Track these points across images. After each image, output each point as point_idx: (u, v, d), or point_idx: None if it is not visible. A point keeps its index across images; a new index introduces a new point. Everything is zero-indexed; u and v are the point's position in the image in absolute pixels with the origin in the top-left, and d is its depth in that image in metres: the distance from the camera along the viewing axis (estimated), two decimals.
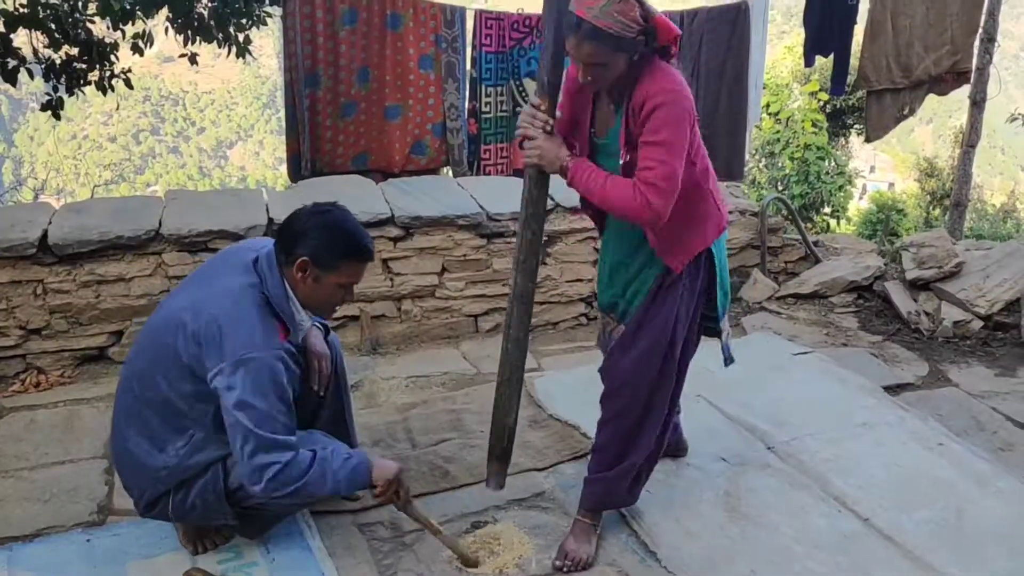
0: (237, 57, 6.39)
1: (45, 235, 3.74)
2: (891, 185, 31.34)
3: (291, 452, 2.26)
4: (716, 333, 2.72)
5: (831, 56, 6.44)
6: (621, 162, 2.36)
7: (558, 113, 2.40)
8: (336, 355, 2.77)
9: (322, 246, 2.32)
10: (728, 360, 2.81)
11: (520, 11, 6.00)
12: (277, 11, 5.66)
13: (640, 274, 2.53)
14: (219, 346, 2.22)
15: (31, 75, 5.66)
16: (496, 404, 2.58)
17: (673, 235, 2.42)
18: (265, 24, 6.44)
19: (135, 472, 2.41)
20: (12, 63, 5.44)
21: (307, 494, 2.32)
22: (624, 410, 2.57)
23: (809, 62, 6.61)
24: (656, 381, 2.53)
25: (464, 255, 4.34)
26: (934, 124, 52.85)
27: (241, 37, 6.29)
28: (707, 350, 2.79)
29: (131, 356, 2.45)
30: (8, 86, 5.81)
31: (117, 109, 9.17)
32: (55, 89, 5.91)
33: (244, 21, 6.26)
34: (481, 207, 4.39)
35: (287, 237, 2.36)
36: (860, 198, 22.11)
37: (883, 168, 43.76)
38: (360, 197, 4.39)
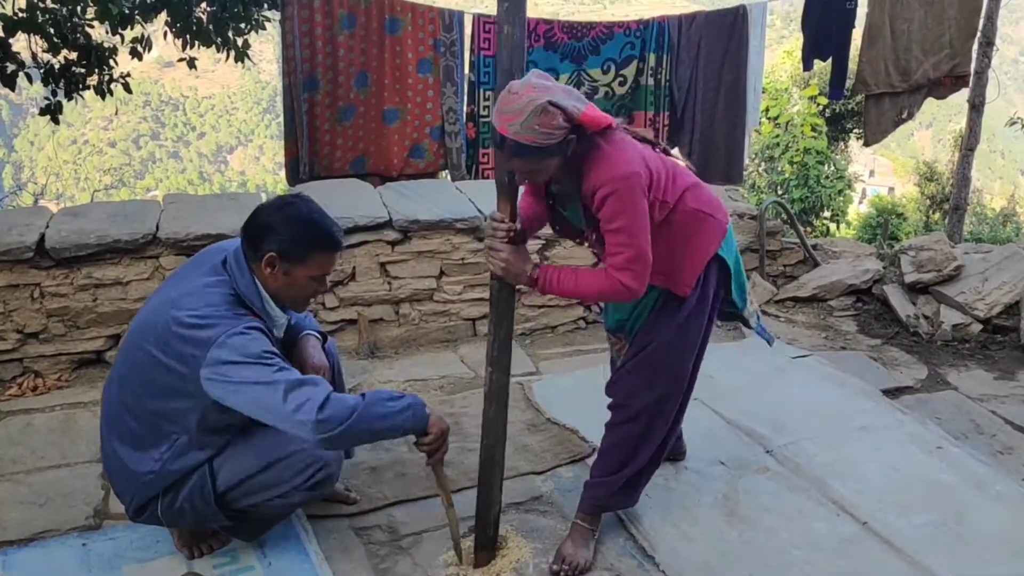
0: (236, 61, 6.40)
1: (42, 239, 3.73)
2: (891, 189, 31.36)
3: (323, 385, 2.20)
4: (745, 322, 2.75)
5: (830, 60, 6.44)
6: (586, 244, 2.45)
7: (517, 224, 2.37)
8: (334, 362, 2.75)
9: (289, 240, 2.29)
10: (770, 340, 2.86)
11: None
12: (276, 16, 5.67)
13: (644, 297, 2.52)
14: (197, 340, 2.19)
15: (30, 79, 5.67)
16: (480, 497, 2.56)
17: (673, 267, 2.44)
18: (264, 28, 6.45)
19: (123, 477, 2.40)
20: (11, 67, 5.44)
21: (365, 429, 2.21)
22: (632, 419, 2.58)
23: (807, 66, 6.61)
24: (665, 393, 2.55)
25: (462, 259, 4.33)
26: (934, 128, 52.94)
27: (240, 42, 6.31)
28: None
29: (115, 363, 2.45)
30: (8, 91, 5.81)
31: (116, 114, 9.17)
32: (54, 93, 5.92)
33: (243, 26, 6.27)
34: (479, 210, 4.38)
35: (253, 233, 2.32)
36: (860, 202, 22.13)
37: (883, 172, 43.82)
38: (358, 201, 4.39)
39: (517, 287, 2.41)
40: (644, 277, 2.28)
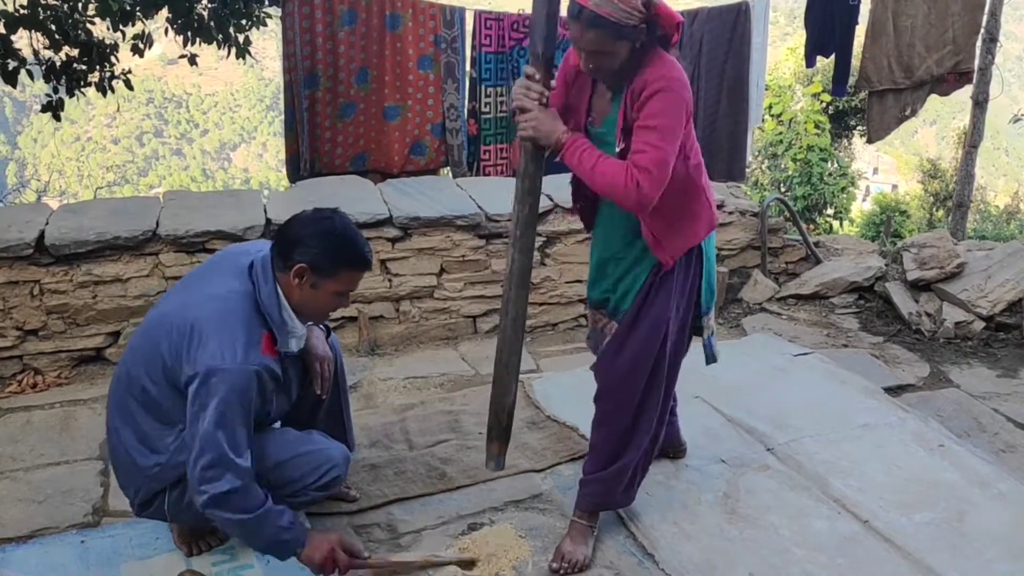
0: (237, 58, 6.39)
1: (42, 236, 3.73)
2: (894, 187, 31.32)
3: (244, 479, 2.20)
4: (699, 330, 2.70)
5: (833, 57, 6.42)
6: (617, 150, 2.33)
7: (552, 84, 2.34)
8: (337, 357, 2.75)
9: (321, 254, 2.29)
10: (710, 358, 2.78)
11: (521, 12, 5.99)
12: (277, 12, 5.66)
13: (631, 271, 2.51)
14: (195, 354, 2.19)
15: (31, 76, 5.67)
16: (495, 383, 2.53)
17: (666, 228, 2.41)
18: (265, 25, 6.44)
19: (128, 471, 2.40)
20: (12, 64, 5.44)
21: (237, 531, 2.28)
22: (618, 409, 2.55)
23: (810, 63, 6.59)
24: (650, 380, 2.52)
25: (463, 256, 4.32)
26: (937, 125, 52.82)
27: (241, 38, 6.30)
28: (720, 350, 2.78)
29: (124, 355, 2.44)
30: (11, 88, 5.81)
31: (118, 111, 9.16)
32: (55, 90, 5.91)
33: (244, 22, 6.26)
34: (480, 207, 4.37)
35: (285, 242, 2.32)
36: (863, 200, 22.11)
37: (886, 170, 43.73)
38: (358, 198, 4.38)
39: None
40: (657, 189, 2.21)
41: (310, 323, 2.64)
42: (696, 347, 2.72)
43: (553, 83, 2.33)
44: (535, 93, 2.29)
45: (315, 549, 2.31)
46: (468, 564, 2.56)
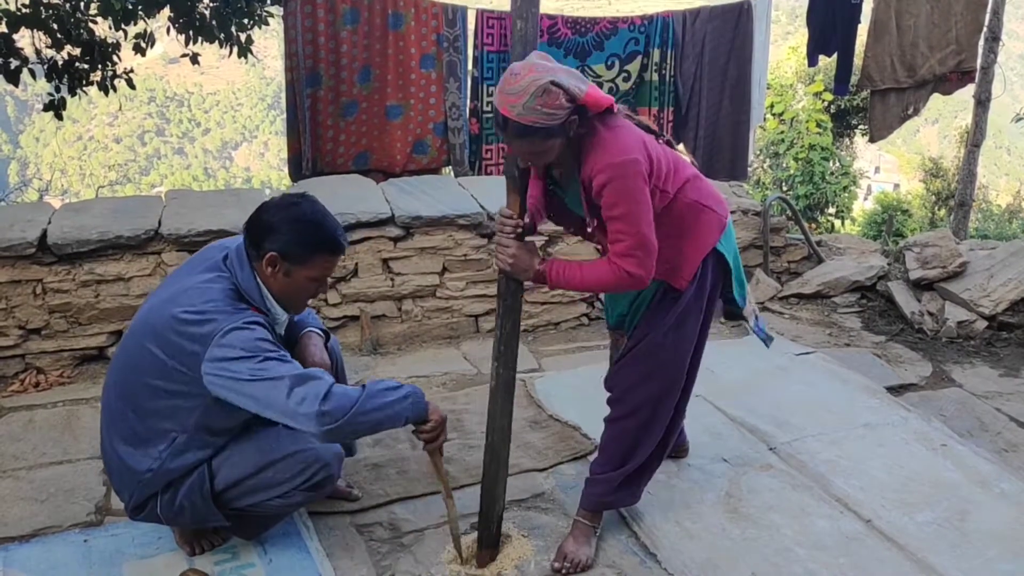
0: (239, 57, 6.38)
1: (44, 235, 3.73)
2: (896, 186, 31.30)
3: (325, 378, 2.19)
4: (743, 318, 2.73)
5: (835, 56, 6.41)
6: (588, 229, 2.41)
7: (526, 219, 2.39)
8: (337, 361, 2.74)
9: (292, 240, 2.27)
10: (767, 340, 2.82)
11: None
12: (279, 11, 5.66)
13: (643, 291, 2.51)
14: (197, 336, 2.18)
15: (33, 75, 5.66)
16: (483, 492, 2.55)
17: (670, 259, 2.42)
18: (267, 24, 6.43)
19: (122, 475, 2.39)
20: (14, 63, 5.44)
21: (367, 420, 2.19)
22: (631, 414, 2.56)
23: (812, 62, 6.59)
24: (663, 387, 2.53)
25: (465, 255, 4.32)
26: (940, 124, 52.79)
27: (243, 37, 6.29)
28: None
29: (113, 360, 2.44)
30: (13, 87, 5.80)
31: (120, 109, 9.17)
32: (57, 89, 5.91)
33: (245, 21, 6.25)
34: (482, 207, 4.37)
35: (256, 231, 2.31)
36: (865, 199, 22.09)
37: (888, 169, 43.68)
38: (360, 197, 4.38)
39: (527, 282, 2.40)
40: (649, 264, 2.26)
41: (308, 329, 2.63)
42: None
43: (527, 218, 2.39)
44: (510, 227, 2.34)
45: (436, 408, 2.35)
46: (467, 555, 2.57)
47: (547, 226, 4.41)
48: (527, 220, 2.38)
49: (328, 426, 2.13)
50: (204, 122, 66.47)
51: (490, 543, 2.58)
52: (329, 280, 2.46)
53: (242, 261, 2.32)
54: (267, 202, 2.36)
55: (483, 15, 5.87)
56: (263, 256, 2.28)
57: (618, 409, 2.60)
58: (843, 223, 14.31)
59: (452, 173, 5.99)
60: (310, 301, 2.54)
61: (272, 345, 2.21)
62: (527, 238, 2.40)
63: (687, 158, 2.55)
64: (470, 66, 5.95)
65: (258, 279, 2.33)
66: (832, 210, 14.15)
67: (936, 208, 15.93)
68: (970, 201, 7.13)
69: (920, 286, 4.83)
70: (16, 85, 5.71)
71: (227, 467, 2.37)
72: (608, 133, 2.22)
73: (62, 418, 3.44)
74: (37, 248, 3.70)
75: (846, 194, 14.07)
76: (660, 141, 2.40)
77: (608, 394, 2.65)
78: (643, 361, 2.51)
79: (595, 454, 2.82)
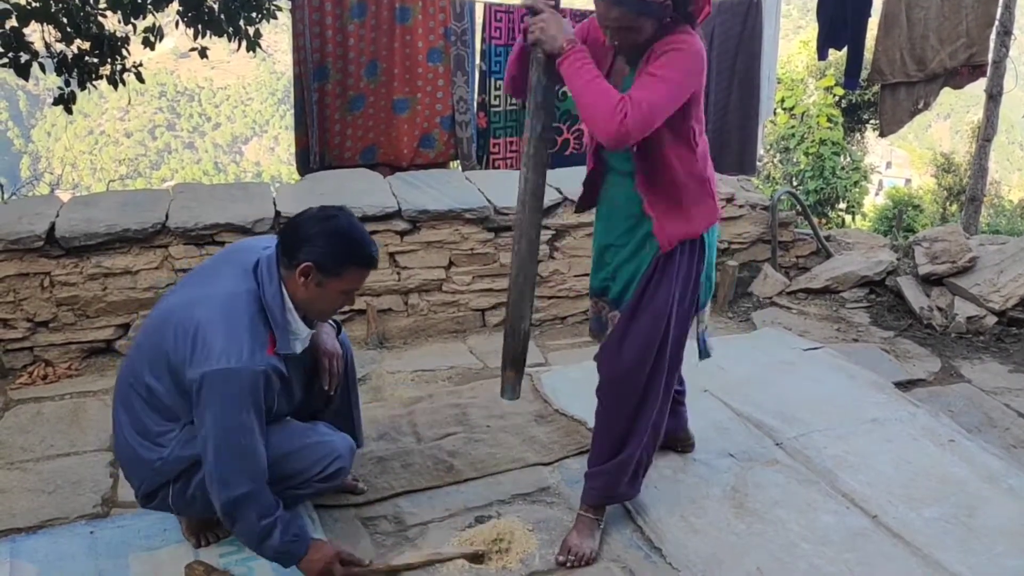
0: (248, 51, 6.39)
1: (52, 228, 3.75)
2: (908, 181, 31.13)
3: (257, 483, 2.24)
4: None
5: (845, 49, 6.38)
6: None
7: None
8: (347, 353, 2.74)
9: (328, 253, 2.28)
10: (703, 354, 2.77)
11: None
12: (288, 4, 5.66)
13: (632, 259, 2.50)
14: (200, 355, 2.19)
15: (43, 69, 5.68)
16: (509, 307, 2.49)
17: (667, 208, 2.40)
18: (275, 18, 6.43)
19: (132, 464, 2.40)
20: (24, 57, 5.45)
21: (246, 536, 2.29)
22: (620, 401, 2.54)
23: (822, 55, 6.55)
24: (652, 371, 2.51)
25: (471, 249, 4.32)
26: (952, 119, 52.51)
27: (251, 31, 6.29)
28: (715, 347, 2.77)
29: (130, 350, 2.45)
30: (24, 81, 5.83)
31: (129, 104, 9.18)
32: (67, 83, 5.92)
33: (254, 15, 6.26)
34: (488, 201, 4.36)
35: (291, 241, 2.31)
36: (876, 194, 22.00)
37: (900, 164, 43.46)
38: (367, 190, 4.38)
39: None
40: (642, 128, 2.15)
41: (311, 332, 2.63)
42: (720, 345, 2.70)
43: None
44: None
45: (314, 560, 2.33)
46: (475, 557, 2.56)
47: (555, 220, 4.41)
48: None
49: (223, 512, 2.25)
50: (214, 116, 66.66)
51: (516, 363, 2.52)
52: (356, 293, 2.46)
53: (271, 273, 2.32)
54: (304, 213, 2.36)
55: (491, 8, 5.85)
56: (296, 266, 2.28)
57: (607, 397, 2.58)
58: (854, 218, 14.26)
59: (459, 167, 5.98)
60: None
61: (255, 407, 2.23)
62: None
63: None
64: (478, 60, 5.94)
65: (284, 292, 2.33)
66: (843, 205, 14.11)
67: (947, 203, 15.85)
68: (981, 196, 7.08)
69: (929, 281, 4.81)
70: (26, 79, 5.73)
71: None
72: (692, 32, 2.23)
73: (69, 410, 3.45)
74: (45, 241, 3.71)
75: (857, 189, 14.03)
76: None
77: (597, 380, 2.62)
78: (631, 342, 2.48)
79: None
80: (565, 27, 2.25)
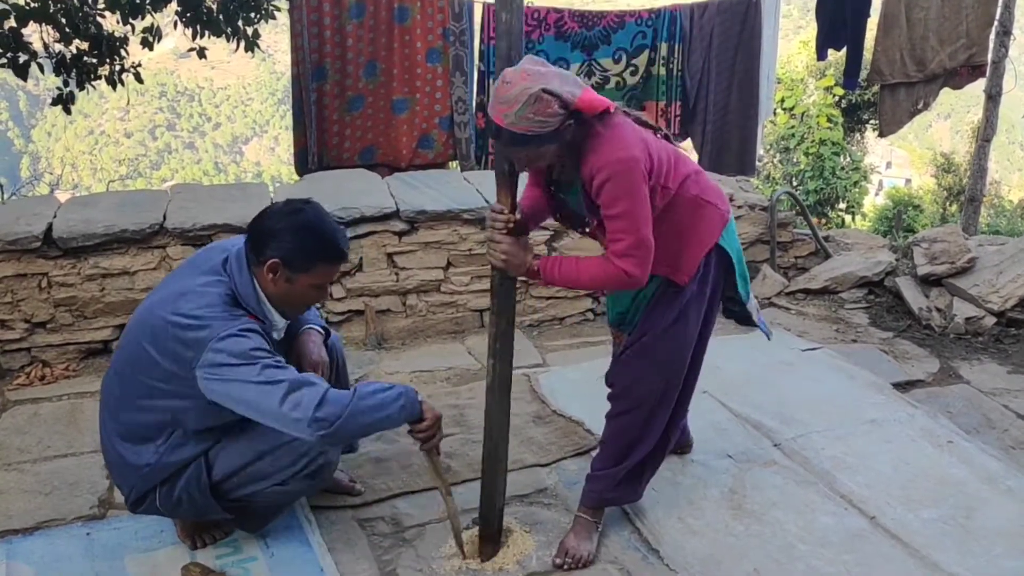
0: (246, 51, 6.39)
1: (50, 228, 3.74)
2: (908, 181, 31.13)
3: (319, 384, 2.19)
4: (746, 317, 2.71)
5: (844, 50, 6.37)
6: (587, 230, 2.39)
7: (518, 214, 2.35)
8: (338, 356, 2.72)
9: (295, 248, 2.25)
10: (769, 334, 2.82)
11: (529, 3, 5.97)
12: (286, 5, 5.66)
13: (644, 288, 2.50)
14: (192, 341, 2.17)
15: (42, 69, 5.68)
16: (483, 488, 2.55)
17: (672, 255, 2.40)
18: (273, 18, 6.44)
19: (121, 470, 2.39)
20: (23, 57, 5.45)
21: (361, 423, 2.20)
22: (631, 409, 2.55)
23: (821, 56, 6.55)
24: (663, 383, 2.52)
25: (469, 249, 4.31)
26: (952, 119, 52.51)
27: (250, 31, 6.29)
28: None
29: (114, 356, 2.44)
30: (23, 81, 5.82)
31: (129, 104, 9.19)
32: (65, 83, 5.92)
33: (252, 15, 6.26)
34: (487, 201, 4.35)
35: (258, 237, 2.29)
36: (876, 194, 22.00)
37: (900, 164, 43.46)
38: (365, 191, 4.38)
39: (522, 278, 2.38)
40: (646, 264, 2.24)
41: (308, 326, 2.62)
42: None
43: (518, 213, 2.33)
44: (501, 223, 2.30)
45: (430, 406, 2.34)
46: (468, 550, 2.57)
47: (551, 221, 4.40)
48: (518, 215, 2.34)
49: (322, 431, 2.14)
50: (215, 117, 66.70)
51: (491, 538, 2.57)
52: (330, 286, 2.43)
53: (241, 266, 2.31)
54: (270, 208, 2.35)
55: (489, 9, 5.85)
56: (264, 262, 2.27)
57: (618, 405, 2.59)
58: (853, 218, 14.26)
59: (458, 168, 5.98)
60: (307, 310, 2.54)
61: (267, 352, 2.20)
62: (522, 236, 2.36)
63: (691, 154, 2.52)
64: (476, 60, 5.94)
65: (256, 285, 2.32)
66: (842, 205, 14.11)
67: (947, 204, 15.85)
68: (981, 196, 7.07)
69: (928, 282, 4.80)
70: (25, 79, 5.72)
71: (224, 457, 2.37)
72: (606, 132, 2.19)
73: (67, 411, 3.45)
74: (43, 242, 3.70)
75: (856, 189, 14.03)
76: (658, 135, 2.37)
77: (609, 390, 2.63)
78: (643, 357, 2.50)
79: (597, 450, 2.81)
80: (527, 247, 2.32)
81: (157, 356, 2.22)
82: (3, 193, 6.14)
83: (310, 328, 2.61)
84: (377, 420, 2.23)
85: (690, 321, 2.48)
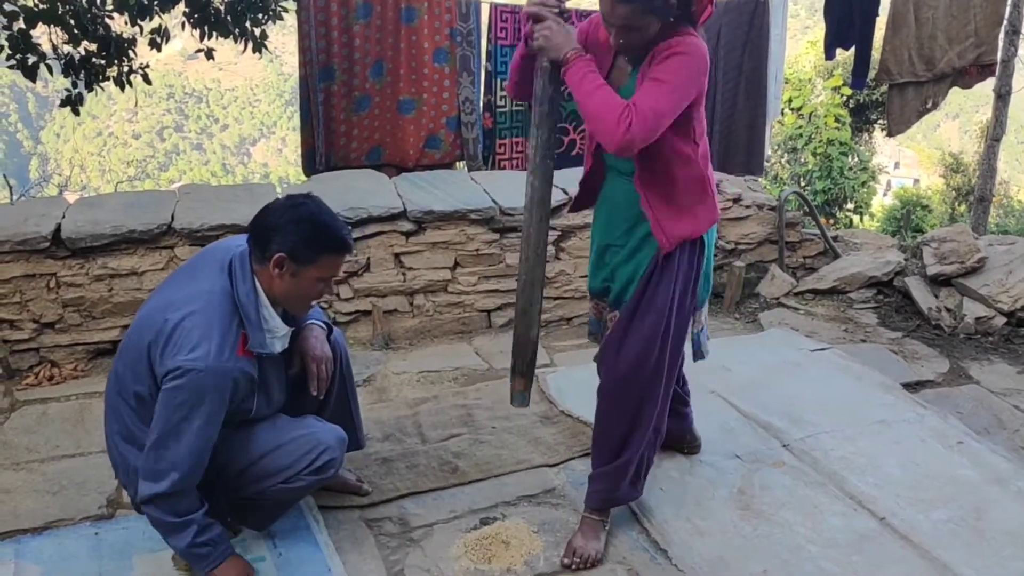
0: (254, 52, 6.39)
1: (58, 229, 3.75)
2: (916, 181, 31.02)
3: (186, 485, 2.22)
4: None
5: (852, 49, 6.34)
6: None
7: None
8: (341, 353, 2.71)
9: (299, 241, 2.24)
10: (697, 355, 2.75)
11: None
12: (294, 5, 5.66)
13: (631, 259, 2.49)
14: (170, 352, 2.17)
15: (50, 71, 5.70)
16: (517, 315, 2.48)
17: (666, 208, 2.39)
18: (281, 19, 6.44)
19: (124, 470, 2.39)
20: (32, 59, 5.47)
21: (161, 530, 2.29)
22: (620, 403, 2.53)
23: (829, 55, 6.51)
24: (653, 370, 2.49)
25: (477, 250, 4.31)
26: (960, 119, 52.32)
27: (257, 32, 6.30)
28: (722, 348, 2.75)
29: (117, 355, 2.43)
30: (32, 83, 5.84)
31: (136, 105, 9.20)
32: (74, 85, 5.94)
33: (260, 16, 6.27)
34: (494, 201, 4.35)
35: (261, 233, 2.28)
36: (884, 194, 21.92)
37: (908, 164, 43.31)
38: (372, 191, 4.38)
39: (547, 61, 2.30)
40: (647, 135, 2.14)
41: (310, 322, 2.61)
42: (718, 346, 2.69)
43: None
44: (552, 2, 2.27)
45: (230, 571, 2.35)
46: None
47: (560, 220, 4.40)
48: (567, 3, 2.30)
49: (142, 504, 2.25)
50: (222, 118, 66.84)
51: (524, 371, 2.51)
52: (336, 280, 2.42)
53: (244, 269, 2.30)
54: (271, 204, 2.34)
55: (496, 9, 5.85)
56: (269, 258, 2.26)
57: (608, 399, 2.56)
58: (862, 219, 14.22)
59: (465, 168, 5.98)
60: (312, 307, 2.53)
61: (215, 410, 2.21)
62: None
63: None
64: (483, 60, 5.93)
65: (258, 289, 2.31)
66: (851, 205, 14.06)
67: (956, 204, 15.78)
68: (990, 196, 7.05)
69: (937, 282, 4.78)
70: (33, 81, 5.73)
71: (227, 456, 2.36)
72: (695, 34, 2.22)
73: (75, 411, 3.46)
74: (51, 242, 3.71)
75: (864, 189, 13.98)
76: None
77: (598, 381, 2.60)
78: (631, 343, 2.46)
79: None
80: (569, 34, 2.25)
81: (150, 355, 2.23)
82: (12, 194, 6.16)
83: (312, 323, 2.60)
84: (169, 540, 2.31)
85: (675, 305, 2.46)
